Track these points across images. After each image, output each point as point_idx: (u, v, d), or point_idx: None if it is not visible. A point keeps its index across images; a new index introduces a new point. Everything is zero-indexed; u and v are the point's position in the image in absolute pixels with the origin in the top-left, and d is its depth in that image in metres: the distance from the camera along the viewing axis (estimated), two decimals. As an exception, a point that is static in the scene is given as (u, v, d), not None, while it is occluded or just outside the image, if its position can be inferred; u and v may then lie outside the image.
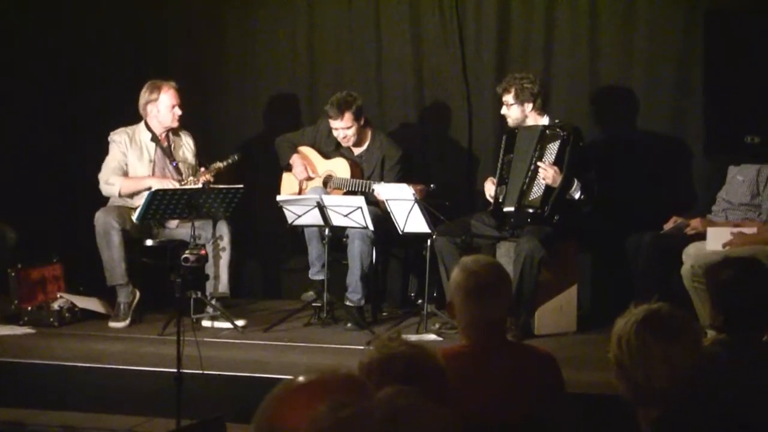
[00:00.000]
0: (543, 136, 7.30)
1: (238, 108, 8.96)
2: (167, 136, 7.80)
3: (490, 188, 7.50)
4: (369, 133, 7.90)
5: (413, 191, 7.03)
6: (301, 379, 2.02)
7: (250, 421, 5.99)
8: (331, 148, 7.94)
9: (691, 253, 6.64)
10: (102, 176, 7.75)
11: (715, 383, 3.47)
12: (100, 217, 7.54)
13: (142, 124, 7.81)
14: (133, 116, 7.82)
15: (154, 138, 7.78)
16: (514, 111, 7.40)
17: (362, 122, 7.79)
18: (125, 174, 7.75)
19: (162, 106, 7.72)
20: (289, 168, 7.98)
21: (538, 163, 7.21)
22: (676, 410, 3.00)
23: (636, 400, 3.06)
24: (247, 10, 8.88)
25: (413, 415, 1.76)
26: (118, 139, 7.79)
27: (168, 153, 7.78)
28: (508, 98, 7.38)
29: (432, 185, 7.32)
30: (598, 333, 6.90)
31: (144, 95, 7.75)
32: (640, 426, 3.09)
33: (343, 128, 7.72)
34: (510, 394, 3.74)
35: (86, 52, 8.96)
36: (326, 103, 7.81)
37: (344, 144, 7.84)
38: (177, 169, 7.76)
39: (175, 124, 7.78)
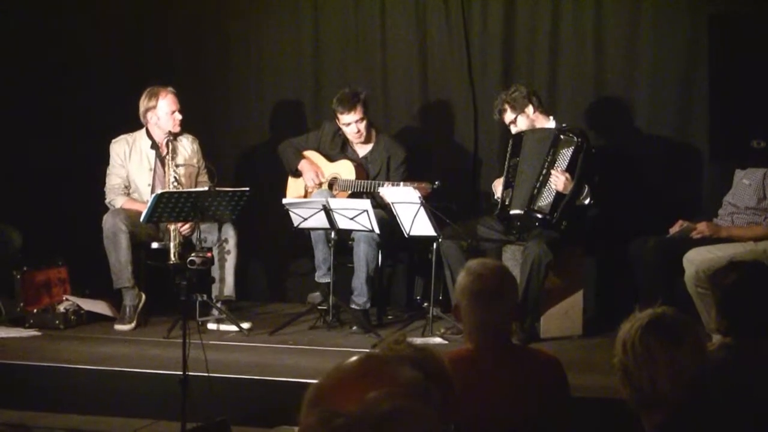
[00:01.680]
0: (557, 141, 7.28)
1: (242, 111, 8.96)
2: (168, 143, 7.77)
3: (499, 189, 7.49)
4: (373, 134, 7.91)
5: (419, 194, 7.03)
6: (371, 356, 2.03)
7: (256, 424, 5.98)
8: (335, 151, 7.93)
9: (692, 258, 6.63)
10: (107, 194, 7.80)
11: (720, 388, 3.47)
12: (109, 220, 7.55)
13: (143, 131, 7.82)
14: (136, 119, 7.82)
15: (154, 146, 7.78)
16: (521, 122, 7.38)
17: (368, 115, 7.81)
18: (127, 187, 7.78)
19: (161, 113, 7.71)
20: (297, 174, 7.98)
21: (551, 170, 7.21)
22: (681, 415, 3.00)
23: (640, 405, 3.06)
24: (251, 14, 8.89)
25: (403, 417, 1.77)
26: (118, 149, 7.81)
27: (164, 162, 7.76)
28: (508, 116, 7.39)
29: (437, 183, 7.31)
30: (604, 337, 6.90)
31: (143, 103, 7.75)
32: (644, 431, 3.09)
33: (356, 122, 7.70)
34: (515, 398, 3.74)
35: (90, 56, 8.97)
36: (331, 104, 7.81)
37: (356, 140, 7.82)
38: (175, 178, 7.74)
39: (177, 129, 7.77)
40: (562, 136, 7.29)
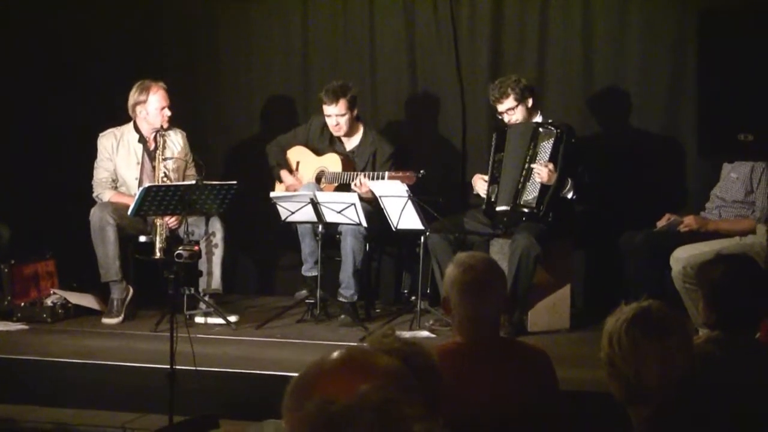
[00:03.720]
0: (536, 135, 7.28)
1: (232, 105, 8.96)
2: (155, 137, 7.75)
3: (482, 186, 7.48)
4: (361, 129, 7.90)
5: (407, 188, 7.03)
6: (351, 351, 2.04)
7: (243, 418, 5.98)
8: (324, 145, 7.93)
9: (678, 256, 6.64)
10: (94, 187, 7.79)
11: (707, 381, 3.47)
12: (96, 213, 7.54)
13: (130, 125, 7.79)
14: (126, 114, 7.80)
15: (142, 139, 7.77)
16: (519, 113, 7.34)
17: (355, 113, 7.79)
18: (114, 181, 7.77)
19: (151, 108, 7.68)
20: (280, 179, 7.99)
21: (533, 165, 7.20)
22: (668, 408, 3.00)
23: (627, 399, 3.07)
24: (241, 10, 8.88)
25: (397, 406, 1.79)
26: (105, 143, 7.78)
27: (152, 157, 7.75)
28: (508, 102, 7.31)
29: (422, 171, 7.30)
30: (591, 331, 6.90)
31: (133, 96, 7.72)
32: (631, 424, 3.09)
33: (336, 115, 7.71)
34: (503, 391, 3.74)
35: (81, 51, 8.94)
36: (320, 100, 7.82)
37: (336, 133, 7.82)
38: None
39: (165, 126, 7.74)
40: (541, 129, 7.28)
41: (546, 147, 7.23)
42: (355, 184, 7.52)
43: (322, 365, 1.96)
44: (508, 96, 7.31)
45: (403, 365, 2.04)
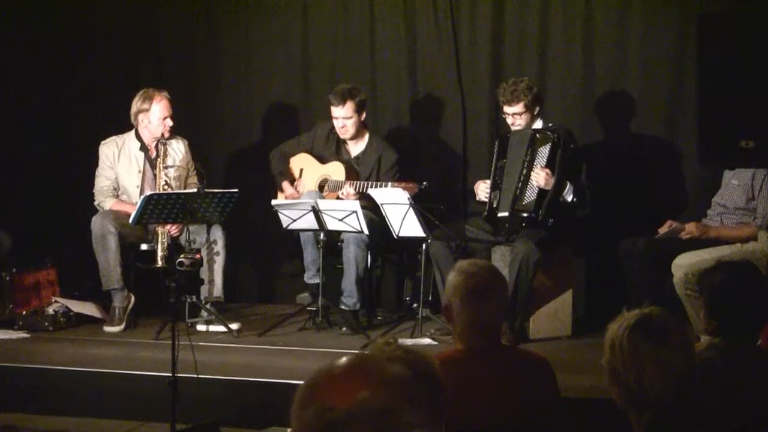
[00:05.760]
0: (533, 140, 7.28)
1: (232, 113, 8.96)
2: (157, 145, 7.75)
3: (483, 190, 7.47)
4: (366, 135, 7.91)
5: (408, 195, 7.03)
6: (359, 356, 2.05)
7: (245, 426, 5.97)
8: (329, 151, 7.93)
9: (680, 263, 6.64)
10: (95, 195, 7.79)
11: (708, 387, 3.47)
12: (97, 221, 7.54)
13: (132, 133, 7.80)
14: (127, 122, 7.81)
15: (143, 147, 7.77)
16: (524, 119, 7.33)
17: (363, 117, 7.79)
18: (116, 189, 7.78)
19: (153, 117, 7.68)
20: (281, 189, 7.99)
21: (531, 169, 7.21)
22: (669, 414, 3.00)
23: (629, 405, 3.07)
24: (241, 16, 8.89)
25: (395, 415, 1.79)
26: (107, 151, 7.79)
27: (153, 165, 7.75)
28: (518, 107, 7.30)
29: (424, 183, 7.30)
30: (594, 337, 6.88)
31: (136, 104, 7.72)
32: (633, 430, 3.09)
33: (343, 117, 7.72)
34: (505, 399, 3.74)
35: (81, 58, 8.96)
36: (321, 107, 7.83)
37: (342, 135, 7.82)
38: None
39: (166, 135, 7.74)
40: (538, 135, 7.29)
41: (543, 152, 7.23)
42: (342, 193, 7.54)
43: (324, 372, 1.97)
44: (520, 101, 7.30)
45: (406, 372, 2.04)
